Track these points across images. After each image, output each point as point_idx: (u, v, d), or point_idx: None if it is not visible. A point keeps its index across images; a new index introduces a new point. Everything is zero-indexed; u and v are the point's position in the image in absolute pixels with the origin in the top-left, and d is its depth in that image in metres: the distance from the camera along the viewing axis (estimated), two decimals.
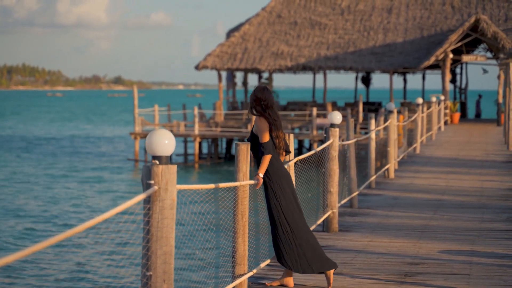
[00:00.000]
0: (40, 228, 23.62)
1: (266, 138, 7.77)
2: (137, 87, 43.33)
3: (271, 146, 7.80)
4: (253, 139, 7.90)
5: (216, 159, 42.57)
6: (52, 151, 53.46)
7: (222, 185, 7.30)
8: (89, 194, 31.59)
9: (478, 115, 50.54)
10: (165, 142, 5.45)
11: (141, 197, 5.27)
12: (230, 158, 43.44)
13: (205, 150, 46.53)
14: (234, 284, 7.58)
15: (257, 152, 7.83)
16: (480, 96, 50.80)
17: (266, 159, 7.74)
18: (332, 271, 8.00)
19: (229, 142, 43.99)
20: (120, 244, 18.68)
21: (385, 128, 20.09)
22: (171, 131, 39.54)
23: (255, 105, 7.92)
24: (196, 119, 40.54)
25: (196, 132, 40.54)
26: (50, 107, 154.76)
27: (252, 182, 7.66)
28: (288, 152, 8.11)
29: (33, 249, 4.13)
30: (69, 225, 24.06)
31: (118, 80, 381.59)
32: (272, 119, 7.84)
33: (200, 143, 42.83)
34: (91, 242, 20.86)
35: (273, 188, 7.83)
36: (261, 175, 7.71)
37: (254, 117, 8.11)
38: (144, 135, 41.05)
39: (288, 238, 7.84)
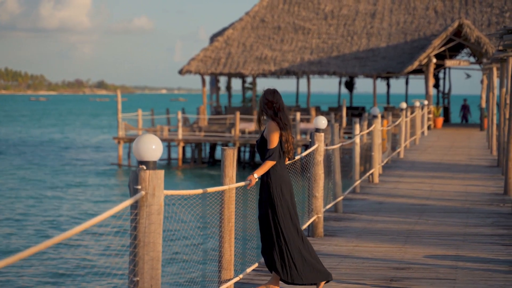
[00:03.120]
0: (22, 235, 23.44)
1: (274, 143, 7.64)
2: (120, 92, 43.17)
3: (277, 153, 7.67)
4: (262, 143, 7.78)
5: (200, 164, 42.51)
6: (33, 155, 53.16)
7: (210, 189, 7.26)
8: (72, 199, 31.42)
9: (466, 119, 50.59)
10: (152, 147, 5.41)
11: (128, 202, 5.24)
12: (213, 163, 43.38)
13: (188, 154, 46.45)
14: None
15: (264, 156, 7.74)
16: (465, 100, 50.86)
17: (267, 164, 7.63)
18: (323, 282, 7.93)
19: (213, 147, 43.92)
20: (107, 250, 18.59)
21: (369, 133, 20.10)
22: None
23: (267, 109, 7.77)
24: (180, 124, 40.49)
25: (180, 136, 40.48)
26: (34, 111, 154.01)
27: (240, 184, 7.62)
28: (293, 159, 8.04)
29: (12, 259, 4.08)
30: (56, 231, 23.91)
31: (101, 85, 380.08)
32: (283, 123, 7.71)
33: (183, 148, 42.78)
34: (78, 248, 20.73)
35: (272, 195, 7.71)
36: (255, 175, 7.60)
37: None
38: (127, 140, 40.95)
39: (281, 246, 7.74)
